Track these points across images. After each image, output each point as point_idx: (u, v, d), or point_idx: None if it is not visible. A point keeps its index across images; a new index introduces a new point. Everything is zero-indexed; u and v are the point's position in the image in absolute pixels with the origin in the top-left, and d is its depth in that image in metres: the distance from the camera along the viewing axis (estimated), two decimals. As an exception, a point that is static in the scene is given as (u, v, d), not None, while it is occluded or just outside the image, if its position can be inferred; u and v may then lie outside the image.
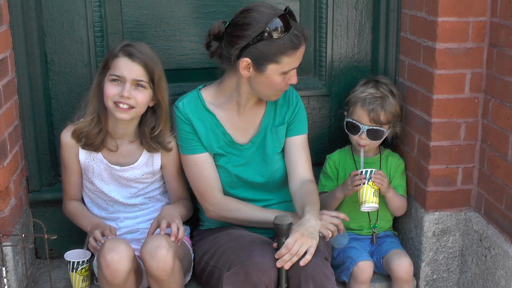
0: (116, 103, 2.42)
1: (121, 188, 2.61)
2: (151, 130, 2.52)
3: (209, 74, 2.77)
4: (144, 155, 2.58)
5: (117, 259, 2.25)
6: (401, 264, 2.69)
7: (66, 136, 2.55)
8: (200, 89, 2.61)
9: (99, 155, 2.56)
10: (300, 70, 2.96)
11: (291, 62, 2.41)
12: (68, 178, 2.63)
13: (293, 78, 2.47)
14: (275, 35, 2.35)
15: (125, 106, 2.42)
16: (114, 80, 2.41)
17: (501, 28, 2.48)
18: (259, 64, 2.40)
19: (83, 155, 2.56)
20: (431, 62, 2.62)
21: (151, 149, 2.55)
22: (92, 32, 2.78)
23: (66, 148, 2.56)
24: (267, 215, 2.52)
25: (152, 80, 2.43)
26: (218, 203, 2.59)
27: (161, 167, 2.62)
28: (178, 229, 2.35)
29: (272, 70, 2.41)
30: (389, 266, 2.71)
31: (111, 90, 2.42)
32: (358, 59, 3.01)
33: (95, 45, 2.79)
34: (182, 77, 2.88)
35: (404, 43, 2.89)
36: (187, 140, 2.57)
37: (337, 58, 2.99)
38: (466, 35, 2.57)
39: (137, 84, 2.42)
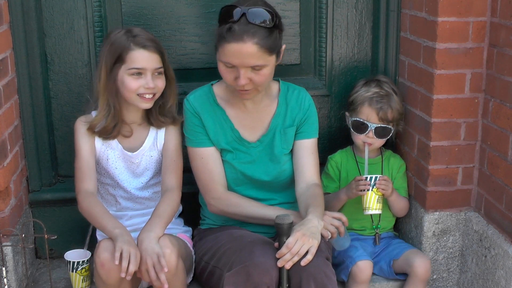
0: (140, 95, 2.45)
1: (133, 179, 2.61)
2: (161, 106, 2.56)
3: (209, 74, 2.77)
4: (150, 136, 2.60)
5: (111, 258, 2.24)
6: (423, 263, 2.67)
7: (81, 125, 2.54)
8: (212, 84, 2.63)
9: (115, 141, 2.57)
10: (300, 70, 2.99)
11: (222, 54, 2.37)
12: (82, 160, 2.50)
13: (238, 79, 2.39)
14: (221, 20, 2.38)
15: (150, 96, 2.46)
16: (134, 73, 2.43)
17: (501, 28, 2.48)
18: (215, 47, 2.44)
19: (99, 142, 2.55)
20: (431, 62, 2.62)
21: (160, 124, 2.59)
22: (92, 32, 2.78)
23: (81, 134, 2.53)
24: (268, 212, 2.53)
25: (164, 63, 2.50)
26: (220, 197, 2.59)
27: (163, 145, 2.62)
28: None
29: (217, 55, 2.42)
30: (410, 265, 2.68)
31: (134, 83, 2.43)
32: (358, 59, 3.01)
33: (95, 45, 2.79)
34: (182, 77, 2.87)
35: (404, 43, 2.90)
36: (194, 133, 2.58)
37: (337, 58, 2.99)
38: (466, 35, 2.57)
39: (156, 72, 2.46)
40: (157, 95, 2.51)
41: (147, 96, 2.46)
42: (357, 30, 2.97)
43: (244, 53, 2.33)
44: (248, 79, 2.39)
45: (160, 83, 2.48)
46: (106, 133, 2.52)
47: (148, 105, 2.50)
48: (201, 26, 2.86)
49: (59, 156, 2.91)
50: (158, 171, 2.66)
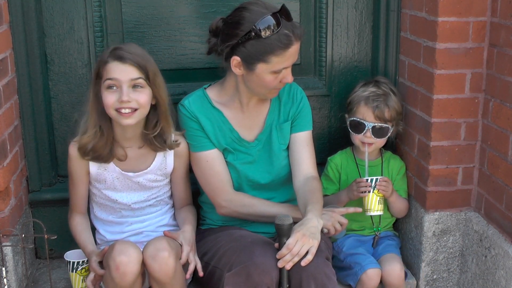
0: (118, 110, 2.36)
1: (134, 194, 2.58)
2: (153, 128, 2.47)
3: (209, 74, 2.77)
4: (157, 160, 2.55)
5: (126, 262, 2.25)
6: (391, 270, 2.67)
7: (75, 150, 2.48)
8: (205, 88, 2.62)
9: (111, 164, 2.51)
10: (300, 70, 2.98)
11: (281, 61, 2.39)
12: (75, 189, 2.57)
13: (288, 77, 2.44)
14: (262, 34, 2.33)
15: (127, 111, 2.36)
16: (110, 87, 2.35)
17: (501, 28, 2.48)
18: (248, 63, 2.40)
19: (94, 166, 2.51)
20: (431, 62, 2.62)
21: (156, 149, 2.51)
22: (92, 32, 2.78)
23: (75, 161, 2.50)
24: (280, 209, 2.54)
25: (147, 78, 2.38)
26: (232, 199, 2.59)
27: (172, 171, 2.61)
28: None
29: (262, 69, 2.40)
30: (381, 272, 2.70)
31: (109, 98, 2.35)
32: (358, 59, 3.01)
33: (95, 45, 2.79)
34: (182, 77, 2.88)
35: (404, 43, 2.90)
36: (195, 137, 2.57)
37: (337, 58, 2.99)
38: (466, 35, 2.57)
39: (134, 85, 2.36)
40: (142, 111, 2.39)
41: (123, 111, 2.35)
42: (357, 30, 2.97)
43: (296, 50, 2.42)
44: None
45: (141, 97, 2.36)
46: (97, 152, 2.45)
47: (128, 121, 2.37)
48: (201, 26, 2.86)
49: (59, 156, 2.91)
50: (162, 187, 2.63)
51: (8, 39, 2.64)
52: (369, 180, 2.69)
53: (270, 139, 2.63)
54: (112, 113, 2.38)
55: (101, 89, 2.37)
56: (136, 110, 2.37)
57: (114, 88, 2.35)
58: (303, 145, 2.64)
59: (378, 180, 2.69)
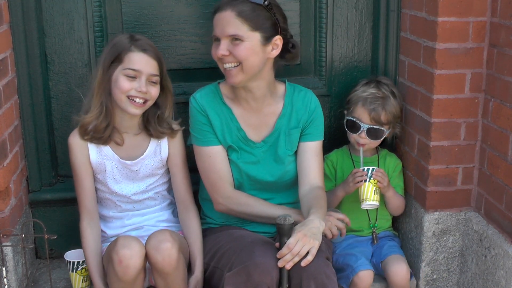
0: (130, 98, 2.44)
1: (132, 184, 2.61)
2: (157, 117, 2.56)
3: (209, 74, 2.78)
4: (152, 145, 2.60)
5: (130, 256, 2.26)
6: (398, 271, 2.68)
7: (75, 138, 2.53)
8: (219, 83, 2.63)
9: (110, 151, 2.55)
10: (300, 70, 2.99)
11: (214, 27, 2.46)
12: (81, 185, 2.56)
13: (219, 48, 2.44)
14: None
15: (141, 101, 2.45)
16: (129, 74, 2.43)
17: (501, 28, 2.48)
18: None
19: (94, 154, 2.55)
20: (431, 62, 2.62)
21: (159, 135, 2.58)
22: (92, 32, 2.79)
23: (76, 150, 2.54)
24: (276, 211, 2.52)
25: (162, 73, 2.50)
26: (229, 196, 2.59)
27: (168, 157, 2.63)
28: None
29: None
30: (387, 272, 2.71)
31: (126, 84, 2.43)
32: (358, 59, 3.01)
33: (95, 45, 2.80)
34: (182, 77, 2.88)
35: (404, 43, 2.90)
36: (202, 131, 2.58)
37: (337, 58, 2.99)
38: (466, 35, 2.57)
39: (152, 79, 2.46)
40: (149, 104, 2.49)
41: (137, 100, 2.44)
42: (357, 30, 2.97)
43: (222, 20, 2.41)
44: (227, 50, 2.42)
45: (154, 91, 2.47)
46: (98, 133, 2.50)
47: (137, 111, 2.47)
48: (201, 26, 2.86)
49: (59, 156, 2.91)
50: (160, 176, 2.66)
51: (8, 39, 2.65)
52: (365, 169, 2.68)
53: (277, 143, 2.63)
54: (122, 98, 2.45)
55: (115, 72, 2.45)
56: (146, 102, 2.47)
57: (133, 77, 2.44)
58: (312, 155, 2.64)
59: (374, 170, 2.68)
